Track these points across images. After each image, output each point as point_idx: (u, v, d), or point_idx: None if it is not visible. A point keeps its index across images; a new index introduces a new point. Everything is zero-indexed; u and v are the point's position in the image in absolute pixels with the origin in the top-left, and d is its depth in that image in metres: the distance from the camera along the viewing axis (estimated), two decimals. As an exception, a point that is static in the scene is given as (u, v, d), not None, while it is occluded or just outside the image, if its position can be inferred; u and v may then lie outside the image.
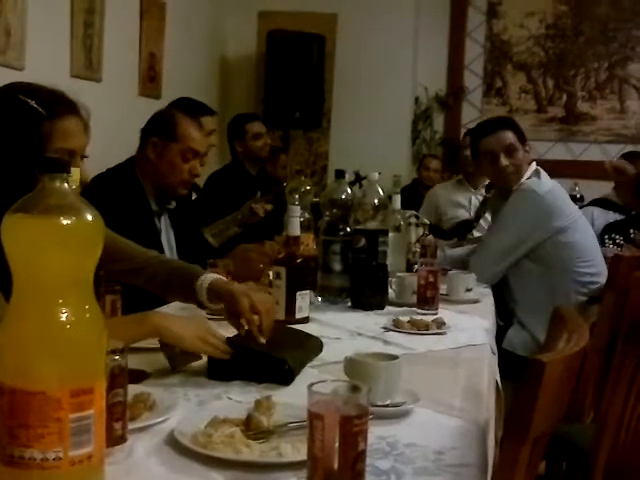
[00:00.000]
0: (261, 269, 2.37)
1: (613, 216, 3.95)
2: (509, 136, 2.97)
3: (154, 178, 2.55)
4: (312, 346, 1.73)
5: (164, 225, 2.64)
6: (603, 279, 2.77)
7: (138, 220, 2.45)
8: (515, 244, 2.90)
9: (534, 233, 2.88)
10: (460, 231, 3.69)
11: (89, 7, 3.91)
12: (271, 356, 1.55)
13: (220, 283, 1.82)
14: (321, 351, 1.73)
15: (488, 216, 3.72)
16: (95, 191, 2.09)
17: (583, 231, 2.98)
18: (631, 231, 3.76)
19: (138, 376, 1.46)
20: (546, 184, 2.96)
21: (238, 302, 1.69)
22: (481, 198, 4.06)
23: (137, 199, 2.52)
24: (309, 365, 1.66)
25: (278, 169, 4.71)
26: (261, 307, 1.68)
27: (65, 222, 0.88)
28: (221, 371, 1.54)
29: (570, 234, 2.90)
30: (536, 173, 2.99)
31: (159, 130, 2.57)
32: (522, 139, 3.01)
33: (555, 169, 3.45)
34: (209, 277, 1.83)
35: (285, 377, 1.52)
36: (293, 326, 1.98)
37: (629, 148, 5.44)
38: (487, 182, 3.96)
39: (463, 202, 4.22)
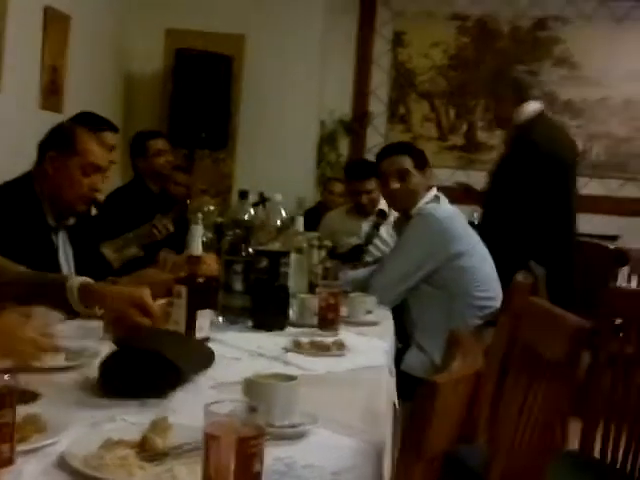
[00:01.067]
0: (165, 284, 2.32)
1: None
2: (403, 161, 3.03)
3: (52, 193, 2.48)
4: (204, 353, 1.74)
5: (62, 242, 2.57)
6: (499, 303, 2.85)
7: (34, 236, 2.38)
8: (414, 268, 2.96)
9: (432, 257, 2.95)
10: (353, 255, 3.75)
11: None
12: (160, 355, 1.53)
13: (91, 284, 1.82)
14: (213, 360, 1.74)
15: (377, 242, 3.84)
16: None
17: (480, 257, 3.06)
18: None
19: (28, 397, 1.41)
20: (445, 209, 3.04)
21: (111, 299, 1.69)
22: (371, 224, 4.15)
23: (33, 214, 2.44)
24: (209, 385, 1.64)
25: (178, 187, 4.67)
26: (137, 301, 1.68)
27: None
28: (111, 374, 1.52)
29: (467, 259, 2.97)
30: (436, 199, 3.07)
31: (58, 144, 2.50)
32: (421, 165, 3.08)
33: (455, 196, 3.54)
34: (79, 279, 1.82)
35: (174, 378, 1.52)
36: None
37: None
38: (379, 208, 4.06)
39: (355, 229, 4.29)
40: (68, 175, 2.47)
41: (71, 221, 2.57)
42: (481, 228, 3.54)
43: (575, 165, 3.89)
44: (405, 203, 3.06)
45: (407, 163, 3.04)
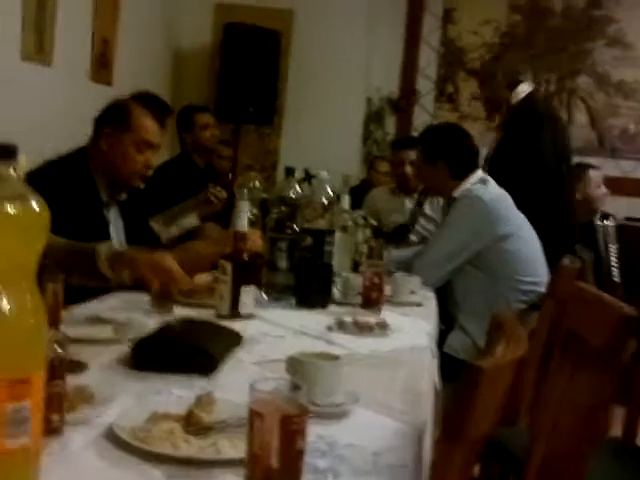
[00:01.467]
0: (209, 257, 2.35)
1: None
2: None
3: (106, 169, 2.51)
4: (232, 338, 1.77)
5: (113, 216, 2.61)
6: (544, 288, 2.83)
7: (87, 210, 2.42)
8: (458, 249, 2.94)
9: (477, 239, 2.93)
10: (398, 235, 3.75)
11: (42, -11, 3.84)
12: (193, 346, 1.58)
13: (118, 250, 1.88)
14: (239, 344, 1.77)
15: (422, 220, 3.83)
16: (44, 178, 2.06)
17: (527, 240, 3.03)
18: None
19: (77, 367, 1.44)
20: (491, 192, 3.01)
21: (137, 264, 1.74)
22: (414, 202, 4.14)
23: (86, 189, 2.48)
24: (252, 362, 1.66)
25: (223, 161, 4.69)
26: (158, 266, 1.74)
27: (10, 210, 0.86)
28: (145, 361, 1.55)
29: (513, 242, 2.95)
30: (482, 181, 3.04)
31: (112, 120, 2.53)
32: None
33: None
34: (107, 245, 1.87)
35: (208, 366, 1.55)
36: (237, 321, 2.00)
37: (576, 160, 5.55)
38: (421, 187, 4.06)
39: (398, 207, 4.28)
40: (122, 151, 2.50)
41: (123, 196, 2.60)
42: None
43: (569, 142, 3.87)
44: (437, 190, 3.10)
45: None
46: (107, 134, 2.51)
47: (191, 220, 3.37)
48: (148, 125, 2.54)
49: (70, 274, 1.87)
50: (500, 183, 3.15)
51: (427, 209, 4.06)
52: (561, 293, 2.53)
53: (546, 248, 3.13)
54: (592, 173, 4.20)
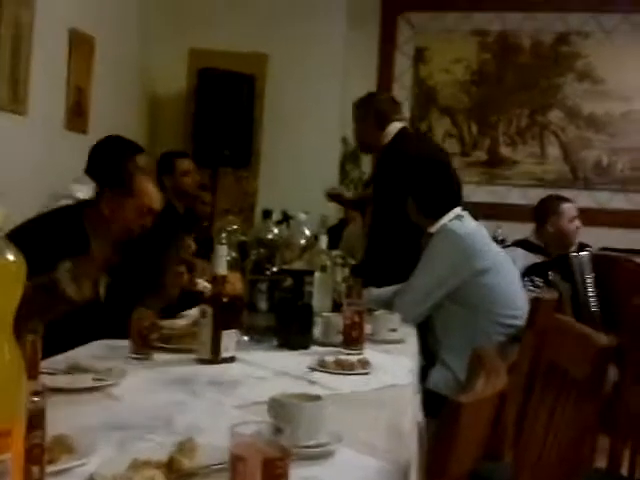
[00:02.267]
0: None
1: (533, 258, 4.05)
2: None
3: (103, 231, 2.51)
4: None
5: None
6: (524, 321, 2.84)
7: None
8: (436, 284, 2.96)
9: (454, 273, 2.95)
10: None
11: (16, 39, 3.87)
12: None
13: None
14: None
15: None
16: (35, 231, 2.08)
17: (504, 274, 3.05)
18: (550, 273, 3.87)
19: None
20: (467, 226, 3.04)
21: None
22: None
23: (78, 246, 2.44)
24: (234, 405, 1.65)
25: (204, 207, 4.71)
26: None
27: (-15, 262, 0.86)
28: None
29: (491, 276, 2.97)
30: (458, 217, 3.07)
31: (113, 183, 2.53)
32: None
33: (479, 211, 3.54)
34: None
35: None
36: (219, 365, 2.00)
37: (549, 192, 5.61)
38: None
39: None
40: (124, 217, 2.50)
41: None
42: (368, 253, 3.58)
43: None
44: None
45: None
46: (108, 198, 2.51)
47: None
48: (151, 191, 2.55)
49: (34, 310, 1.86)
50: (383, 213, 3.21)
51: None
52: (540, 325, 2.55)
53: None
54: (565, 206, 4.24)
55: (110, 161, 2.62)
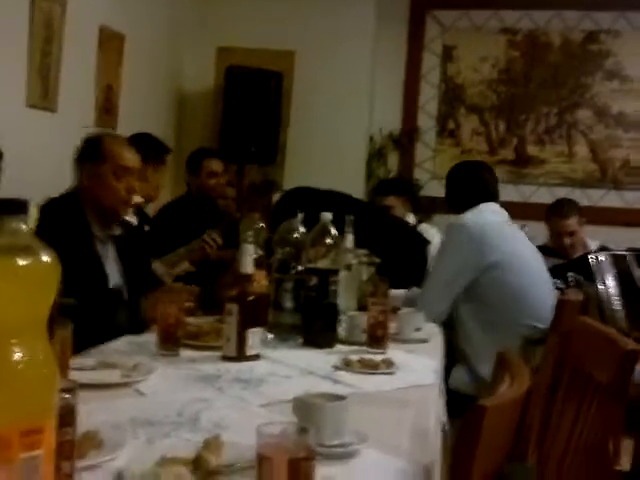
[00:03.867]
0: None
1: (552, 261, 4.04)
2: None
3: (94, 203, 2.58)
4: None
5: (110, 253, 2.64)
6: (545, 322, 2.83)
7: (78, 245, 2.45)
8: (452, 277, 2.96)
9: (465, 265, 2.94)
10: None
11: (47, 37, 3.92)
12: None
13: None
14: None
15: None
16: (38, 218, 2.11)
17: (519, 273, 2.99)
18: (569, 275, 3.86)
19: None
20: (479, 219, 3.02)
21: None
22: None
23: (77, 224, 2.53)
24: (260, 404, 1.67)
25: (228, 202, 4.74)
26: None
27: (21, 263, 0.89)
28: None
29: (501, 272, 2.94)
30: (477, 210, 3.07)
31: (87, 156, 2.62)
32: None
33: (505, 210, 3.52)
34: None
35: None
36: (244, 362, 2.02)
37: (577, 192, 5.59)
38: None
39: None
40: (102, 182, 2.57)
41: (117, 231, 2.64)
42: None
43: None
44: None
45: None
46: (86, 169, 2.60)
47: (184, 265, 3.41)
48: (121, 151, 2.62)
49: None
50: None
51: None
52: (565, 328, 2.54)
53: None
54: (553, 220, 4.29)
55: (85, 139, 2.68)
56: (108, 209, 2.58)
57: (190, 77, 5.90)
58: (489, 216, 3.07)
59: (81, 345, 1.87)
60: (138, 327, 2.30)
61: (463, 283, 2.95)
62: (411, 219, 4.35)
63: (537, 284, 3.06)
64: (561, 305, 2.71)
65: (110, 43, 4.65)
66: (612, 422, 1.67)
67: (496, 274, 2.93)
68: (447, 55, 6.07)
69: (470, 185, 3.19)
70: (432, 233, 4.13)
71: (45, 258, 0.90)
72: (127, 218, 2.79)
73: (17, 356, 0.89)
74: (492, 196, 3.18)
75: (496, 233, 3.03)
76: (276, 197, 4.59)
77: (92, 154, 2.60)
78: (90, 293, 2.27)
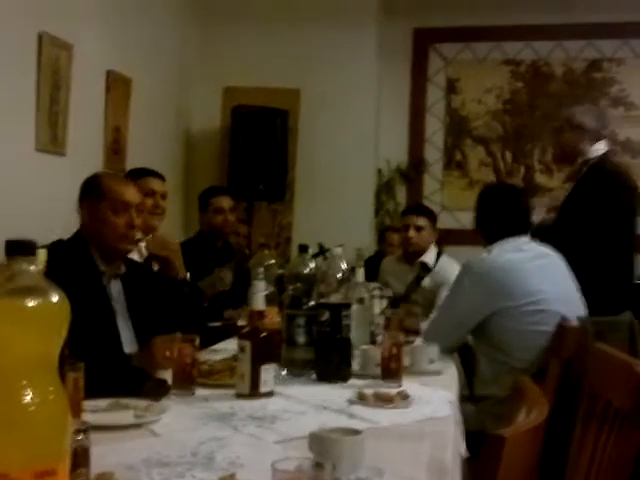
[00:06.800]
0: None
1: None
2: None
3: (98, 242, 2.59)
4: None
5: (116, 290, 2.64)
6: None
7: (85, 283, 2.46)
8: (460, 318, 2.89)
9: (475, 307, 2.87)
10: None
11: (55, 82, 3.96)
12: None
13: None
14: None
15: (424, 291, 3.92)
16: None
17: (526, 316, 2.83)
18: None
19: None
20: (497, 260, 2.90)
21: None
22: (414, 276, 4.20)
23: (83, 261, 2.55)
24: (274, 440, 1.65)
25: (239, 239, 4.76)
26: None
27: (31, 304, 0.88)
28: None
29: (511, 318, 2.82)
30: (498, 248, 2.98)
31: (87, 194, 2.65)
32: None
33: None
34: None
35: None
36: (258, 399, 2.00)
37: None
38: (421, 261, 4.27)
39: (403, 276, 4.32)
40: (103, 219, 2.59)
41: (122, 268, 2.64)
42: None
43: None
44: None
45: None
46: (87, 208, 2.63)
47: None
48: (118, 187, 2.64)
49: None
50: (570, 231, 3.22)
51: (426, 284, 4.10)
52: (566, 354, 2.52)
53: (611, 303, 3.14)
54: None
55: (85, 180, 2.71)
56: (109, 245, 2.60)
57: (197, 117, 5.95)
58: (513, 255, 2.91)
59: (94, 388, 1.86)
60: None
61: (471, 323, 2.90)
62: (433, 250, 4.31)
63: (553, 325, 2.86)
64: (561, 331, 2.69)
65: (117, 86, 4.70)
66: (633, 450, 1.64)
67: (501, 320, 2.85)
68: (451, 87, 6.11)
69: (507, 214, 3.02)
70: (453, 267, 3.99)
71: (54, 298, 0.90)
72: (132, 255, 2.81)
73: (28, 398, 0.88)
74: (527, 227, 3.05)
75: (513, 275, 2.85)
76: None
77: (91, 192, 2.63)
78: (97, 347, 2.25)
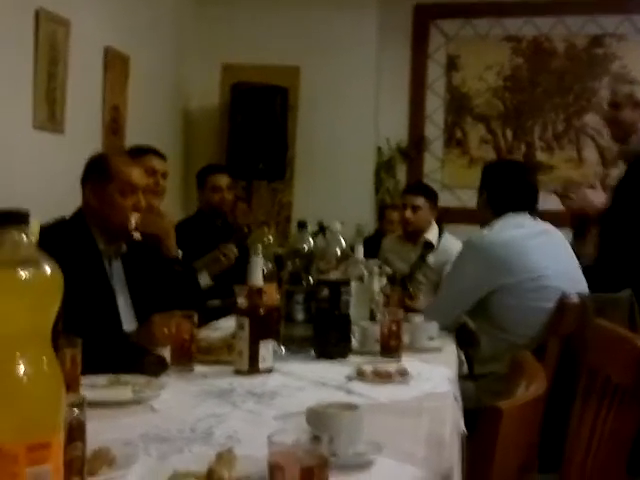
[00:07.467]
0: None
1: None
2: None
3: (100, 221, 2.56)
4: None
5: (116, 270, 2.63)
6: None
7: (85, 262, 2.45)
8: (461, 294, 2.90)
9: (476, 284, 2.87)
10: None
11: (52, 58, 3.93)
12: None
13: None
14: None
15: (426, 270, 3.88)
16: (44, 237, 2.12)
17: (527, 293, 2.85)
18: None
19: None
20: (498, 237, 2.90)
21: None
22: (418, 254, 4.18)
23: (83, 241, 2.53)
24: (273, 416, 1.65)
25: (238, 217, 4.75)
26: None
27: (23, 275, 0.87)
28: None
29: (511, 295, 2.83)
30: (499, 225, 2.97)
31: (93, 174, 2.60)
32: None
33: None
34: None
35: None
36: (257, 376, 2.00)
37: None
38: (425, 240, 4.23)
39: (405, 255, 4.30)
40: (109, 201, 2.55)
41: (123, 247, 2.63)
42: (601, 245, 3.38)
43: None
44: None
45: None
46: (92, 189, 2.58)
47: (204, 280, 3.39)
48: (127, 169, 2.60)
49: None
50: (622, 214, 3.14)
51: (431, 261, 4.09)
52: (565, 331, 2.52)
53: None
54: None
55: (90, 159, 2.67)
56: (116, 227, 2.57)
57: (196, 95, 5.91)
58: (515, 231, 2.92)
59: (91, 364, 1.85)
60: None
61: (471, 301, 2.90)
62: (435, 228, 4.30)
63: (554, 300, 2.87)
64: (562, 307, 2.68)
65: (115, 64, 4.66)
66: (633, 426, 1.64)
67: (503, 297, 2.84)
68: (451, 64, 6.06)
69: (514, 189, 3.02)
70: (456, 245, 3.96)
71: (47, 269, 0.89)
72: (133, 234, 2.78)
73: (21, 369, 0.87)
74: (533, 203, 3.04)
75: (515, 252, 2.86)
76: None
77: (97, 172, 2.59)
78: (96, 324, 2.25)
